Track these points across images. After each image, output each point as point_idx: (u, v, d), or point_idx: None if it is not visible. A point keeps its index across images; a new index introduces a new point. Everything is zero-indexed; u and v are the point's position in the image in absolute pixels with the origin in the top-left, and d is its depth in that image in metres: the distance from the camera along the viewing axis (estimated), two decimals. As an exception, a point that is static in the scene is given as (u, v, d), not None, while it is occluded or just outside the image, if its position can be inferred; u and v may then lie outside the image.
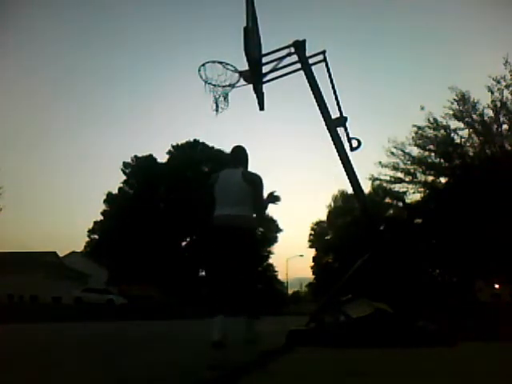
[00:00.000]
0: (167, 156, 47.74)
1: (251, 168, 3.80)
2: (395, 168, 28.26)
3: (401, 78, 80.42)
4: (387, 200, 35.22)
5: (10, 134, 72.04)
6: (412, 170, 28.23)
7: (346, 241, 35.03)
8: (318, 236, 53.77)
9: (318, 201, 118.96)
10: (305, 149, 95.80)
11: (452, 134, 26.55)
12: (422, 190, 28.85)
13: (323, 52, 4.49)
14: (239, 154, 3.80)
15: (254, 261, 3.80)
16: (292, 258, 52.74)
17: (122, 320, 11.88)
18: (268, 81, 4.62)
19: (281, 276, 57.36)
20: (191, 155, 46.07)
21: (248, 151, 3.86)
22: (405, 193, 30.07)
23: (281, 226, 52.28)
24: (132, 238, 39.67)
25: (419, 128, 27.02)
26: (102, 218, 46.27)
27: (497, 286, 30.11)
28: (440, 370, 2.27)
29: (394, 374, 2.09)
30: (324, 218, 53.43)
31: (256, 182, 3.65)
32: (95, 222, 47.06)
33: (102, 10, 72.51)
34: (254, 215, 3.65)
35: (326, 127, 4.29)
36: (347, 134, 4.48)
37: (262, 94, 4.67)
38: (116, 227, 41.48)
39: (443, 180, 28.45)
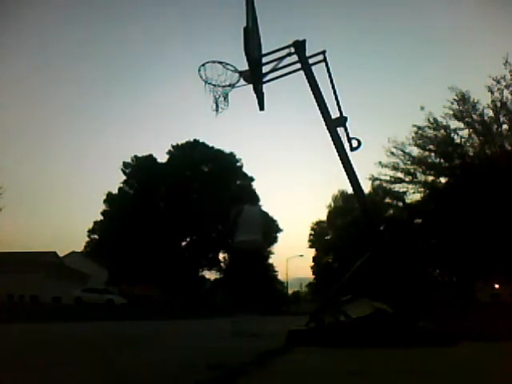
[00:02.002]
0: (167, 156, 47.78)
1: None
2: (395, 168, 28.26)
3: (401, 78, 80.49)
4: (387, 200, 35.22)
5: (10, 134, 72.09)
6: (412, 170, 28.23)
7: (346, 241, 35.03)
8: (318, 236, 53.79)
9: (317, 201, 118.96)
10: (305, 149, 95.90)
11: (452, 134, 26.56)
12: (422, 190, 28.85)
13: (323, 52, 4.48)
14: (255, 198, 6.46)
15: (262, 272, 5.93)
16: (292, 257, 52.68)
17: (122, 320, 11.88)
18: (268, 81, 4.62)
19: (281, 276, 57.38)
20: (191, 155, 46.08)
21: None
22: (405, 193, 30.08)
23: (281, 226, 52.26)
24: (132, 237, 39.65)
25: (419, 128, 27.03)
26: (102, 217, 46.27)
27: (497, 286, 30.12)
28: (440, 369, 2.27)
29: (394, 374, 2.09)
30: (324, 218, 53.50)
31: (266, 217, 6.22)
32: (95, 222, 47.08)
33: (102, 9, 72.59)
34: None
35: (326, 127, 4.29)
36: (347, 134, 4.47)
37: (262, 94, 4.67)
38: (116, 227, 41.46)
39: (443, 180, 28.46)
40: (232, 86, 4.54)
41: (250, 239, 5.12)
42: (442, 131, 26.64)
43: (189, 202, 42.36)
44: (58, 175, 78.33)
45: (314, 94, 4.32)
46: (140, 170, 46.10)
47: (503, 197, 20.72)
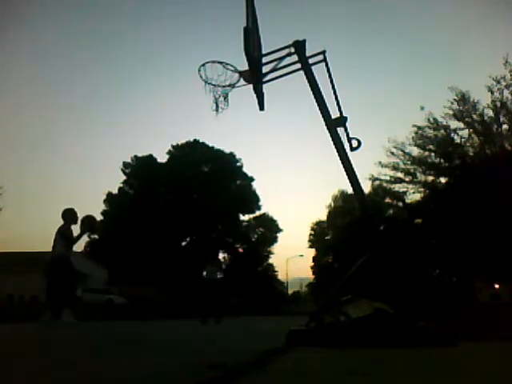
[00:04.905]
0: (167, 156, 47.79)
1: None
2: (395, 168, 28.31)
3: (401, 78, 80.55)
4: (387, 200, 35.19)
5: (10, 134, 72.12)
6: (412, 170, 28.27)
7: (346, 241, 35.00)
8: (318, 236, 53.81)
9: (318, 201, 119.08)
10: (305, 149, 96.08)
11: (452, 134, 26.60)
12: (422, 190, 28.89)
13: (323, 52, 4.48)
14: (65, 214, 6.97)
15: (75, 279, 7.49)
16: (292, 257, 52.74)
17: (122, 320, 11.88)
18: (268, 81, 4.61)
19: (281, 276, 57.37)
20: (191, 155, 46.10)
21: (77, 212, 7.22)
22: (405, 193, 30.13)
23: (281, 226, 52.28)
24: (132, 237, 39.63)
25: (419, 128, 27.06)
26: (102, 217, 46.25)
27: (497, 286, 30.11)
28: (440, 369, 2.27)
29: (394, 374, 2.09)
30: (324, 218, 53.53)
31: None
32: (95, 222, 46.98)
33: (103, 10, 72.64)
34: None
35: (325, 127, 4.29)
36: (347, 134, 4.47)
37: (262, 94, 4.67)
38: (116, 227, 41.45)
39: (443, 180, 28.48)
40: (232, 85, 4.54)
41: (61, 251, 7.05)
42: (442, 131, 26.67)
43: (189, 202, 42.38)
44: (58, 175, 78.45)
45: (313, 94, 4.32)
46: (140, 170, 46.12)
47: (503, 197, 20.72)
